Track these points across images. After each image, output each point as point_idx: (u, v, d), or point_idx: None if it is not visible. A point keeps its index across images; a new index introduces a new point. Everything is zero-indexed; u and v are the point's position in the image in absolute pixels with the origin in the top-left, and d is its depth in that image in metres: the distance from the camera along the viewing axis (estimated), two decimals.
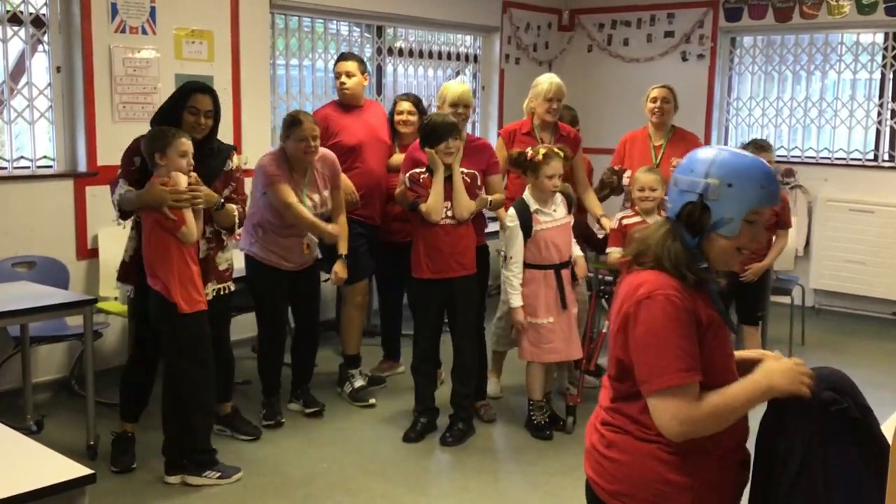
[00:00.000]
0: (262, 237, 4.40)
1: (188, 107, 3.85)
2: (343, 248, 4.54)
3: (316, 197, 4.40)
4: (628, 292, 2.01)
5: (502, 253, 4.42)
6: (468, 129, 5.02)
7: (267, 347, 4.64)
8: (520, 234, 4.25)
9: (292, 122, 4.30)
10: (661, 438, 1.98)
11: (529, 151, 4.31)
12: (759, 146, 5.04)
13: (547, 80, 4.84)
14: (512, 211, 4.30)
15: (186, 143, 3.68)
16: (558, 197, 4.37)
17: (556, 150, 4.31)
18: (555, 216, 4.33)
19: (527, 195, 4.33)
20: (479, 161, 4.44)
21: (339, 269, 4.54)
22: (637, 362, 1.97)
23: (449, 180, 4.24)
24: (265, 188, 4.30)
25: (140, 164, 3.80)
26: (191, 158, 3.70)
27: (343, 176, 4.67)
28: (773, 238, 5.13)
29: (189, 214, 3.68)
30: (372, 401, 4.84)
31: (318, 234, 4.41)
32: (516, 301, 4.28)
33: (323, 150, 4.45)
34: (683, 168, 2.07)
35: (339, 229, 4.47)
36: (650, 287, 1.97)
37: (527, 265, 4.29)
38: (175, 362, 3.81)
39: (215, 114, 3.95)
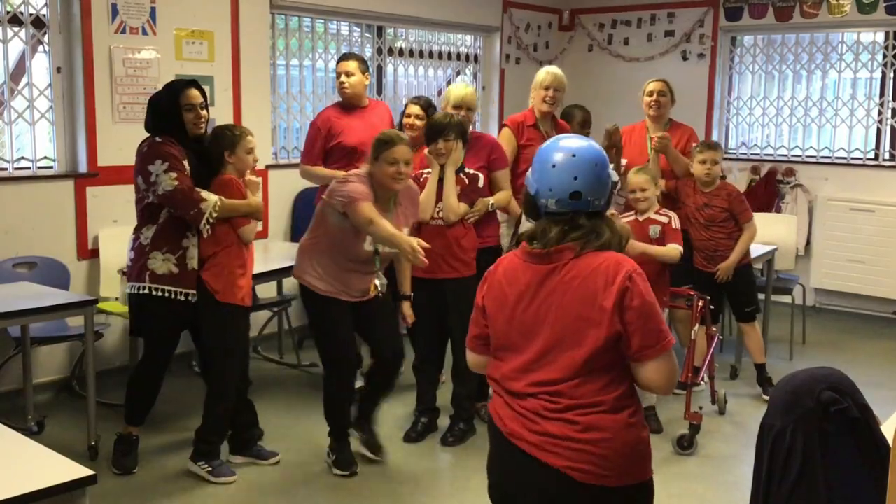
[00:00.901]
0: (321, 270, 3.89)
1: (184, 105, 3.86)
2: (408, 288, 4.16)
3: None
4: (608, 269, 2.11)
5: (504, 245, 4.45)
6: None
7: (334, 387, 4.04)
8: (527, 225, 4.26)
9: (385, 142, 3.80)
10: (625, 402, 2.13)
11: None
12: (707, 146, 5.08)
13: (544, 70, 4.93)
14: (513, 202, 4.33)
15: (252, 140, 3.91)
16: None
17: None
18: None
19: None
20: (480, 157, 4.43)
21: (407, 310, 4.16)
22: (642, 330, 2.09)
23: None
24: (344, 207, 3.72)
25: (189, 167, 3.82)
26: (256, 154, 3.95)
27: (342, 175, 4.66)
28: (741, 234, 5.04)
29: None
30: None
31: (398, 246, 3.68)
32: None
33: (409, 183, 3.99)
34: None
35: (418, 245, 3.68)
36: (628, 263, 2.13)
37: None
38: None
39: (206, 104, 3.99)
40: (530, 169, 2.27)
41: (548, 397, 2.13)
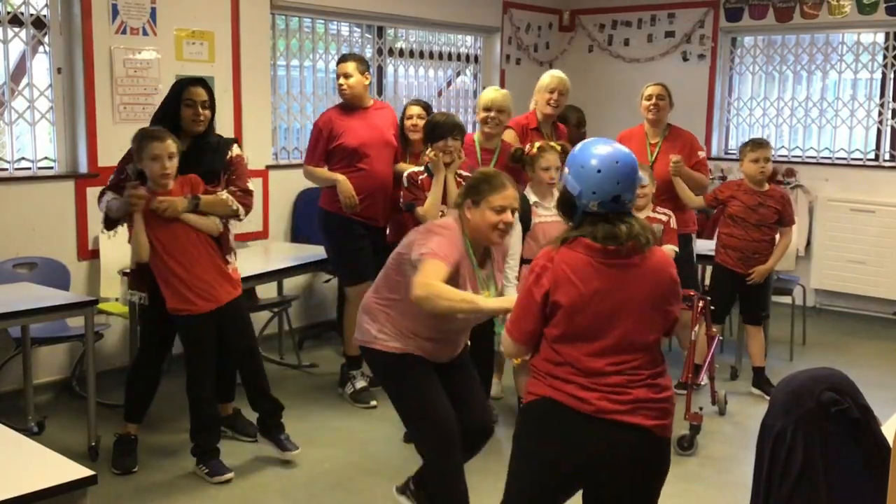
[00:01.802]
0: (395, 329, 3.13)
1: (185, 100, 3.88)
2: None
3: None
4: (666, 264, 2.52)
5: None
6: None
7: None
8: (518, 227, 4.26)
9: (491, 181, 3.03)
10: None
11: (526, 147, 4.40)
12: (758, 143, 5.10)
13: (548, 74, 4.95)
14: None
15: (158, 146, 3.67)
16: (555, 197, 4.38)
17: (552, 143, 4.41)
18: (553, 211, 4.34)
19: (528, 190, 4.38)
20: (500, 163, 4.50)
21: None
22: (678, 307, 2.55)
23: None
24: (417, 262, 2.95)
25: (133, 173, 3.82)
26: (165, 161, 3.67)
27: (342, 178, 4.66)
28: (777, 238, 5.11)
29: (139, 225, 3.69)
30: (373, 402, 4.83)
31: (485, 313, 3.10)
32: (513, 294, 4.27)
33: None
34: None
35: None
36: (669, 257, 2.59)
37: (525, 260, 4.29)
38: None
39: (211, 105, 3.98)
40: (569, 171, 2.47)
41: (631, 372, 2.44)
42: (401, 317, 3.09)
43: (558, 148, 4.35)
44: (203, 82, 3.99)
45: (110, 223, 3.84)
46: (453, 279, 2.92)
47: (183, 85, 3.94)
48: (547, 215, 4.32)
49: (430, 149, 4.25)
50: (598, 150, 2.45)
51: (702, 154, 5.26)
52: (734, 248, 5.06)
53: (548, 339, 2.47)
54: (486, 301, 2.93)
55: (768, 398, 5.12)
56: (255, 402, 4.14)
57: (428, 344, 3.11)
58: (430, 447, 3.14)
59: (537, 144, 4.37)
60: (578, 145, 2.52)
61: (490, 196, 3.00)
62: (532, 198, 4.34)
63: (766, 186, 5.08)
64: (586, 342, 2.42)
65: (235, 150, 4.10)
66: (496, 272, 3.21)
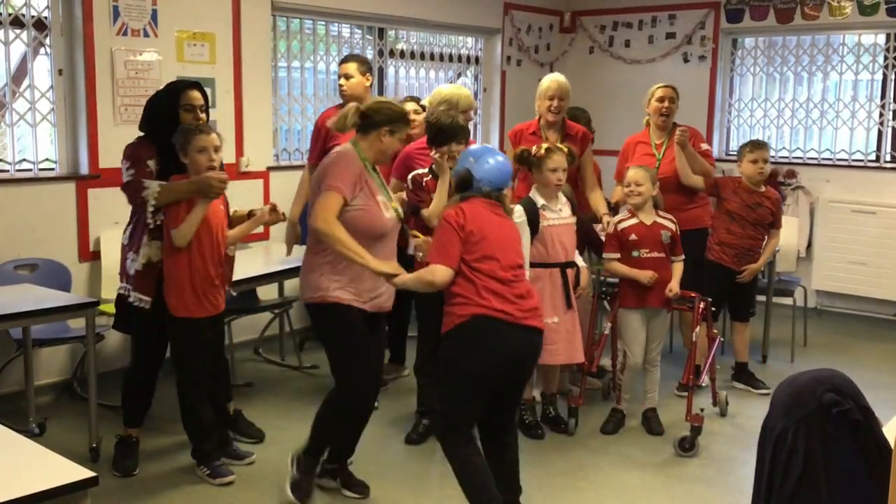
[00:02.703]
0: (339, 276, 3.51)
1: (183, 105, 3.86)
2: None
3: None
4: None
5: None
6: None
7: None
8: (527, 230, 4.25)
9: (401, 119, 3.62)
10: None
11: (533, 148, 4.36)
12: (756, 145, 5.13)
13: (549, 79, 4.90)
14: (519, 207, 4.29)
15: (205, 139, 3.73)
16: (563, 197, 4.38)
17: (558, 145, 4.38)
18: (561, 214, 4.35)
19: (533, 192, 4.35)
20: None
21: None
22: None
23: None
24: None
25: (155, 167, 3.82)
26: (212, 153, 3.73)
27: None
28: (765, 239, 5.17)
29: (199, 213, 3.71)
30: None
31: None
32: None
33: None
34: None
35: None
36: None
37: (533, 264, 4.29)
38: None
39: (207, 109, 3.99)
40: (475, 160, 3.44)
41: (522, 283, 3.37)
42: (338, 258, 3.43)
43: (565, 150, 4.33)
44: (199, 86, 3.98)
45: (156, 211, 3.77)
46: (363, 194, 3.45)
47: (180, 88, 3.91)
48: (555, 218, 4.31)
49: (434, 152, 4.25)
50: (494, 152, 3.54)
51: (705, 146, 5.25)
52: (731, 245, 5.08)
53: (467, 265, 3.25)
54: (376, 263, 3.36)
55: (755, 392, 5.20)
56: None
57: (367, 282, 3.49)
58: (352, 392, 3.59)
59: (544, 146, 4.34)
60: (479, 148, 3.58)
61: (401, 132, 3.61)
62: (539, 201, 4.29)
63: (763, 188, 5.11)
64: (495, 260, 3.28)
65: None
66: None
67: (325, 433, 3.65)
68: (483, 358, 3.21)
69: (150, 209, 3.72)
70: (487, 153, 3.48)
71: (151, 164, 3.81)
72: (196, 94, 3.91)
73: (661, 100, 5.14)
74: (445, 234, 3.29)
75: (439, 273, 3.23)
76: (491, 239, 3.30)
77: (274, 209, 3.99)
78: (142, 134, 3.94)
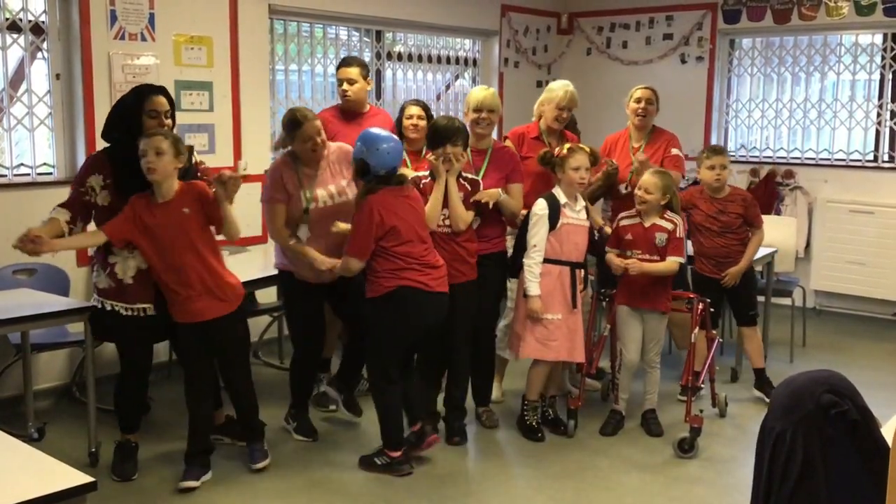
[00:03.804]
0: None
1: (148, 111, 3.82)
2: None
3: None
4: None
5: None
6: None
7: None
8: (546, 224, 4.28)
9: (297, 123, 4.12)
10: None
11: (556, 149, 4.42)
12: (714, 150, 5.06)
13: (562, 88, 4.78)
14: (542, 200, 4.34)
15: (143, 142, 3.67)
16: (582, 200, 4.42)
17: (580, 145, 4.43)
18: (579, 215, 4.39)
19: (556, 190, 4.39)
20: (502, 169, 4.45)
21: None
22: None
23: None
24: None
25: (103, 181, 3.83)
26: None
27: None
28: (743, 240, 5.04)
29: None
30: (332, 407, 4.78)
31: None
32: (534, 289, 4.28)
33: (340, 146, 4.31)
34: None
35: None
36: None
37: (546, 260, 4.31)
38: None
39: (172, 115, 3.94)
40: (367, 150, 3.89)
41: (432, 254, 4.03)
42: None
43: (587, 149, 4.37)
44: (164, 91, 3.93)
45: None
46: (288, 189, 4.17)
47: (144, 94, 3.86)
48: (574, 217, 4.34)
49: (431, 154, 4.25)
50: (388, 136, 3.99)
51: (675, 151, 5.09)
52: (705, 255, 5.04)
53: (387, 250, 3.88)
54: (317, 256, 4.12)
55: (767, 400, 5.13)
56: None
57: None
58: (297, 345, 4.53)
59: (567, 145, 4.39)
60: (369, 136, 3.94)
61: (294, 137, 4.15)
62: (562, 199, 4.33)
63: (727, 191, 5.02)
64: (410, 242, 3.91)
65: (196, 156, 4.17)
66: (328, 172, 4.24)
67: (298, 387, 4.52)
68: (406, 321, 3.97)
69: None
70: (378, 140, 3.91)
71: (94, 180, 3.81)
72: (161, 100, 3.86)
73: (638, 101, 5.10)
74: (362, 228, 3.89)
75: (354, 265, 3.94)
76: (404, 227, 3.91)
77: (219, 178, 3.79)
78: (107, 144, 3.93)
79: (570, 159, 4.31)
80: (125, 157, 3.77)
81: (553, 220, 4.30)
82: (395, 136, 4.08)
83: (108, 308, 3.88)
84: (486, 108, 4.45)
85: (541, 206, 4.32)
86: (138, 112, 3.81)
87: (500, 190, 4.37)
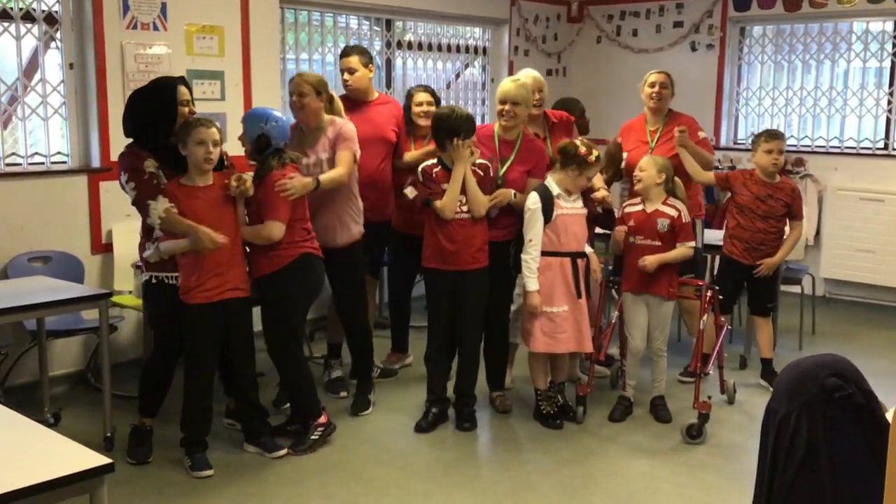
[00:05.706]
0: None
1: (180, 101, 3.93)
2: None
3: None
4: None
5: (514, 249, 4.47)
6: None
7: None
8: (540, 218, 4.27)
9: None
10: None
11: (583, 148, 4.30)
12: (772, 135, 5.06)
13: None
14: (534, 194, 4.31)
15: (204, 132, 3.78)
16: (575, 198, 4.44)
17: (599, 157, 4.42)
18: (575, 205, 4.38)
19: (549, 181, 4.36)
20: (528, 163, 4.49)
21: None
22: None
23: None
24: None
25: (154, 166, 3.87)
26: (209, 147, 3.79)
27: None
28: (785, 230, 5.08)
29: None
30: (343, 393, 4.85)
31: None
32: (533, 285, 4.30)
33: (341, 121, 4.48)
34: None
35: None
36: None
37: (544, 252, 4.32)
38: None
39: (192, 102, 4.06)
40: (265, 124, 3.99)
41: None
42: None
43: (602, 167, 4.57)
44: (185, 81, 4.08)
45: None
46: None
47: (173, 86, 3.96)
48: (568, 207, 4.34)
49: (449, 148, 4.26)
50: (278, 119, 4.06)
51: (702, 134, 5.15)
52: (740, 238, 5.05)
53: (296, 221, 4.02)
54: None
55: (771, 389, 5.14)
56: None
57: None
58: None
59: (595, 153, 4.32)
60: (260, 113, 4.10)
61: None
62: (555, 189, 4.31)
63: (778, 178, 5.06)
64: (304, 209, 4.11)
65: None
66: (319, 146, 4.37)
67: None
68: (311, 285, 4.19)
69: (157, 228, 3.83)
70: (271, 117, 4.04)
71: (149, 164, 3.86)
72: (185, 90, 3.99)
73: (652, 85, 5.11)
74: (282, 200, 3.94)
75: (277, 230, 3.94)
76: (301, 199, 4.10)
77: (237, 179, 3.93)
78: (130, 140, 3.98)
79: (588, 170, 4.31)
80: (161, 148, 3.87)
81: (548, 213, 4.28)
82: (285, 115, 4.25)
83: (157, 281, 3.92)
84: (511, 101, 4.39)
85: (533, 200, 4.28)
86: (173, 102, 3.90)
87: (512, 191, 4.40)
